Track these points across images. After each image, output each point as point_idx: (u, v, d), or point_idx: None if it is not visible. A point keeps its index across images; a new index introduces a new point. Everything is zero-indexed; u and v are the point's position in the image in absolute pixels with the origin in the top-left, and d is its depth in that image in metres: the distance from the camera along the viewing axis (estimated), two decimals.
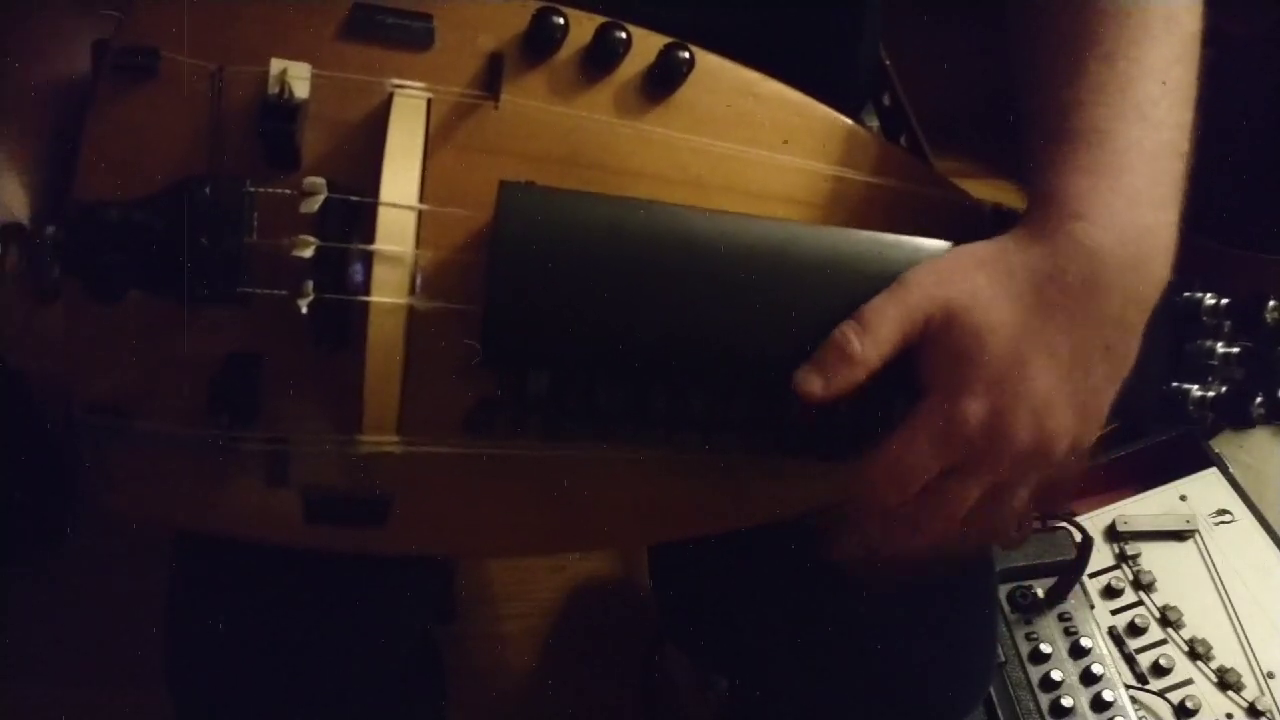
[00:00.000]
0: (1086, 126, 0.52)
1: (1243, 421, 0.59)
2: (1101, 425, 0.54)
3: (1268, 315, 0.58)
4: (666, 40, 0.56)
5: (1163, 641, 1.02)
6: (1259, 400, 0.59)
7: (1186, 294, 0.58)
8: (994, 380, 0.50)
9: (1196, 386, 0.58)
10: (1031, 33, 0.56)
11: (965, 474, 0.52)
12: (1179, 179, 0.54)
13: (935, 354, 0.51)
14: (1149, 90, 0.53)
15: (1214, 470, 1.13)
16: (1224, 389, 0.59)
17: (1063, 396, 0.51)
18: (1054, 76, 0.54)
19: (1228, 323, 0.58)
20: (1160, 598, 1.05)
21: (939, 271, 0.52)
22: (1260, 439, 1.27)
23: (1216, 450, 1.15)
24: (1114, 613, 1.05)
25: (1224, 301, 0.58)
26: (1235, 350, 0.59)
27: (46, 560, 1.18)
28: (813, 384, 0.51)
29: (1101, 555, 1.07)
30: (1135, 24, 0.54)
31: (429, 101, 0.54)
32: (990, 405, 0.50)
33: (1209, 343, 0.58)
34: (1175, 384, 0.58)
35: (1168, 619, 1.03)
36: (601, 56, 0.55)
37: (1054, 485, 0.55)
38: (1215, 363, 0.58)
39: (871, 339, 0.51)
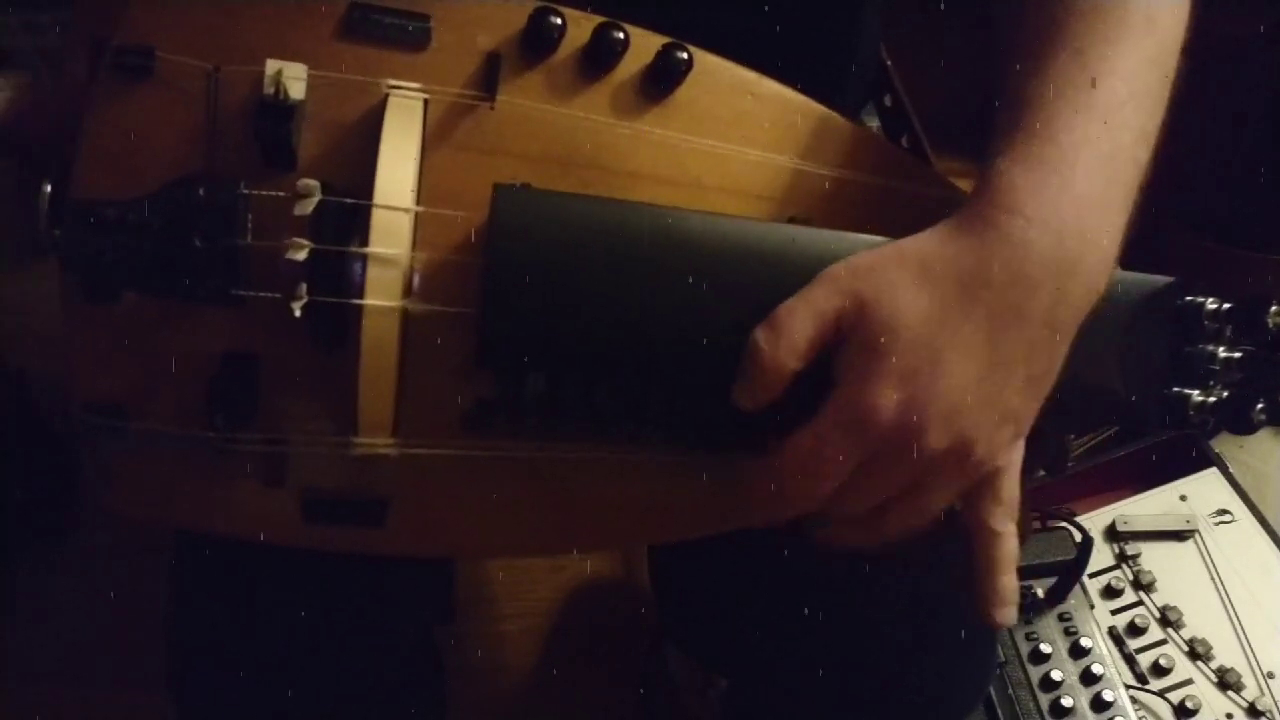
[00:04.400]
0: (1044, 120, 0.50)
1: (1244, 427, 0.58)
2: (1024, 430, 0.52)
3: (1269, 319, 0.57)
4: (665, 40, 0.56)
5: (1163, 641, 1.02)
6: (1260, 406, 0.58)
7: (1188, 298, 0.57)
8: (905, 373, 0.48)
9: (1197, 391, 0.57)
10: (1007, 25, 0.55)
11: (879, 468, 0.49)
12: (1132, 186, 0.52)
13: (847, 346, 0.49)
14: (1115, 91, 0.51)
15: (1214, 470, 1.13)
16: (1225, 394, 0.58)
17: (979, 396, 0.49)
18: (1023, 69, 0.52)
19: (1229, 327, 0.57)
20: (1160, 598, 1.05)
21: (855, 265, 0.50)
22: (1260, 439, 1.27)
23: (1216, 450, 1.15)
24: (1114, 613, 1.05)
25: (1225, 306, 0.57)
26: (1236, 355, 0.58)
27: (46, 559, 1.19)
28: (742, 396, 0.51)
29: (1101, 555, 1.07)
30: (1112, 22, 0.52)
31: (425, 102, 0.54)
32: (901, 398, 0.48)
33: (1210, 347, 0.58)
34: (1176, 389, 0.57)
35: (1168, 619, 1.03)
36: (599, 56, 0.55)
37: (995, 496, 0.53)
38: (1216, 367, 0.57)
39: (784, 341, 0.49)
